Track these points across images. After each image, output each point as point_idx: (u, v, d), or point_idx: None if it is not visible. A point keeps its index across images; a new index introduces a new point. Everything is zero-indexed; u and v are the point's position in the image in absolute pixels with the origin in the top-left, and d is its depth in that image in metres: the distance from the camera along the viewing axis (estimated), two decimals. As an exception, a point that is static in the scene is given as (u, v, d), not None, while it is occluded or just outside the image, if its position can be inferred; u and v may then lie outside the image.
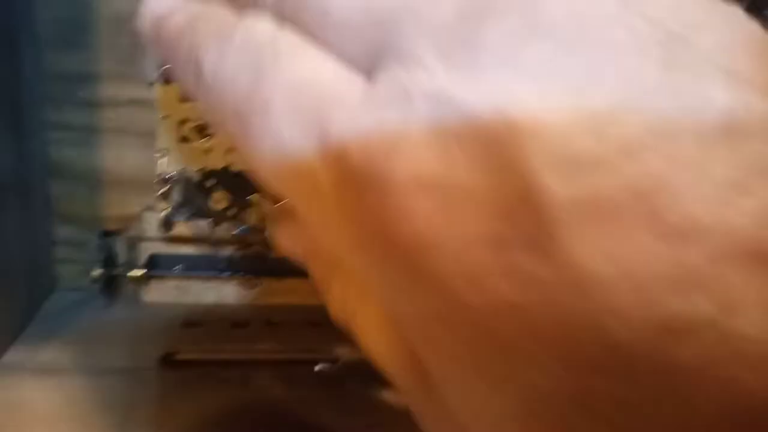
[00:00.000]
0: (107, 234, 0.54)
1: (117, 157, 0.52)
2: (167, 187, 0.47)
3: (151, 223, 0.52)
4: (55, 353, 0.45)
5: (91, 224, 0.53)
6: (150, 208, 0.52)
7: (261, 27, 0.15)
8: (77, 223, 0.53)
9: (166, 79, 0.45)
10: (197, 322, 0.52)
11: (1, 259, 0.43)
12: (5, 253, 0.44)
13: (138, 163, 0.52)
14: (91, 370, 0.44)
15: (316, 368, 0.49)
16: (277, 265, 0.53)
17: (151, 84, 0.49)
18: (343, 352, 0.50)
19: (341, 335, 0.50)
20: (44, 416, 0.39)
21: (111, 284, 0.52)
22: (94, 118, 0.51)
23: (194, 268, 0.53)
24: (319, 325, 0.53)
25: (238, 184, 0.49)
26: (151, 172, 0.52)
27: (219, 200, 0.48)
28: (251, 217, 0.50)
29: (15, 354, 0.45)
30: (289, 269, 0.54)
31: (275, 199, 0.44)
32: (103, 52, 0.49)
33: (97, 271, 0.51)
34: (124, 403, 0.41)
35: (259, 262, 0.53)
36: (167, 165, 0.47)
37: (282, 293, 0.56)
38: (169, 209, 0.48)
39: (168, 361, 0.46)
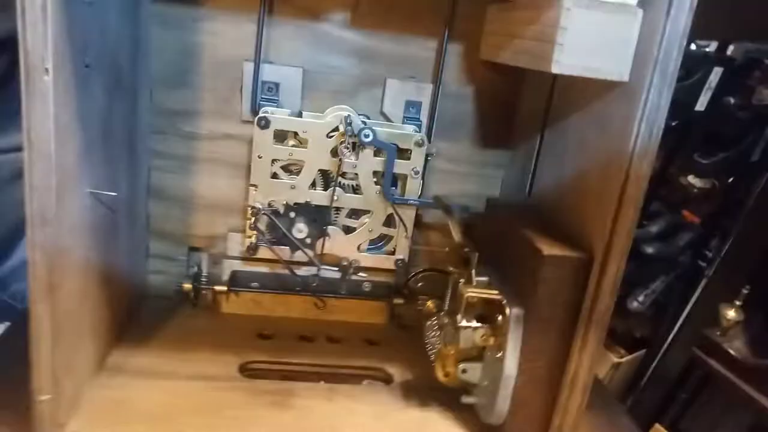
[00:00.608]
0: (195, 250, 0.61)
1: (209, 184, 0.59)
2: (256, 217, 0.54)
3: (234, 243, 0.59)
4: (150, 357, 0.52)
5: (180, 242, 0.61)
6: (234, 230, 0.59)
7: None
8: (169, 240, 0.61)
9: (263, 123, 0.52)
10: (270, 333, 0.58)
11: (114, 271, 0.50)
12: (117, 267, 0.51)
13: (226, 191, 0.59)
14: (180, 375, 0.51)
15: (364, 383, 0.55)
16: (340, 286, 0.60)
17: (243, 122, 0.56)
18: (394, 371, 0.56)
19: (393, 355, 0.56)
20: (144, 414, 0.46)
21: (196, 295, 0.59)
22: (192, 149, 0.58)
23: (269, 286, 0.59)
24: (375, 343, 0.60)
25: (316, 216, 0.55)
26: (237, 199, 0.59)
27: (299, 230, 0.55)
28: (324, 246, 0.56)
29: (117, 356, 0.52)
30: (350, 291, 0.60)
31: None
32: (204, 92, 0.57)
33: (184, 284, 0.58)
34: (211, 406, 0.48)
35: (325, 283, 0.59)
36: (257, 197, 0.54)
37: (343, 311, 0.62)
38: (256, 236, 0.55)
39: (245, 369, 0.53)
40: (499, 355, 0.47)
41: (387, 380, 0.55)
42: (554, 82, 0.54)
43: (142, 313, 0.59)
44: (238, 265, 0.59)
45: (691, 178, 0.93)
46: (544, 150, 0.55)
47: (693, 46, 0.88)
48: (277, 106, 0.55)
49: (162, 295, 0.62)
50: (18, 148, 0.48)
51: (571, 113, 0.50)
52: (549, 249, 0.44)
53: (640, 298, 1.01)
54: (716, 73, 0.87)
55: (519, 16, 0.48)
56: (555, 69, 0.40)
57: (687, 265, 0.97)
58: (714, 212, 0.93)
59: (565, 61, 0.40)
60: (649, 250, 0.95)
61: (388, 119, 0.58)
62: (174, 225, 0.60)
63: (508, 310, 0.46)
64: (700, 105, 0.91)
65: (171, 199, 0.60)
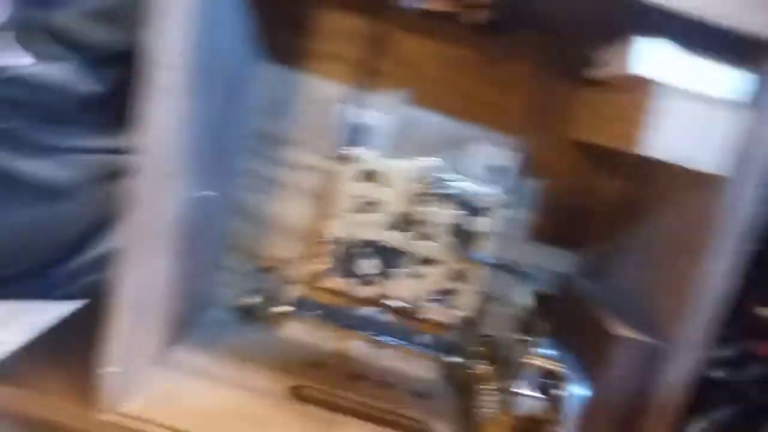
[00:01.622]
0: (263, 270, 0.63)
1: (288, 208, 0.61)
2: (332, 247, 0.56)
3: (304, 269, 0.60)
4: (207, 360, 0.54)
5: (252, 259, 0.63)
6: (304, 257, 0.60)
7: None
8: (243, 256, 0.63)
9: (353, 159, 0.54)
10: (323, 363, 0.59)
11: (187, 274, 0.52)
12: (191, 270, 0.53)
13: (304, 218, 0.61)
14: (233, 383, 0.51)
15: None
16: (398, 332, 0.60)
17: (330, 158, 0.59)
18: (440, 428, 0.54)
19: (440, 412, 0.55)
20: (193, 413, 0.47)
21: (260, 312, 0.60)
22: (277, 173, 0.61)
23: (330, 317, 0.60)
24: (421, 396, 0.59)
25: (387, 257, 0.56)
26: (313, 228, 0.61)
27: (369, 266, 0.56)
28: (389, 289, 0.57)
29: (178, 353, 0.53)
30: (407, 338, 0.60)
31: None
32: (299, 124, 0.60)
33: (250, 299, 0.60)
34: (257, 418, 0.48)
35: (384, 326, 0.59)
36: (335, 228, 0.56)
37: (397, 358, 0.62)
38: (326, 265, 0.56)
39: (295, 392, 0.53)
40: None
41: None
42: (641, 169, 0.54)
43: (206, 319, 0.60)
44: (304, 291, 0.60)
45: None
46: (623, 235, 0.55)
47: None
48: (368, 149, 0.57)
49: (227, 306, 0.63)
50: (116, 150, 0.52)
51: (654, 202, 0.50)
52: (622, 331, 0.43)
53: (702, 425, 0.95)
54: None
55: (614, 99, 0.49)
56: (644, 151, 0.41)
57: (755, 400, 0.91)
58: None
59: (657, 145, 0.40)
60: (717, 374, 0.90)
61: (476, 179, 0.59)
62: (249, 242, 0.63)
63: (569, 386, 0.44)
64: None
65: (251, 217, 0.62)
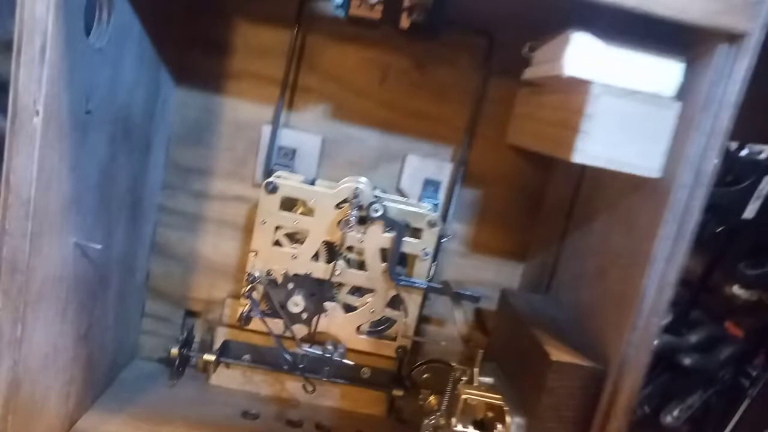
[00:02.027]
0: (191, 314, 0.58)
1: (214, 245, 0.57)
2: (252, 285, 0.51)
3: (230, 311, 0.56)
4: (121, 427, 0.49)
5: (177, 303, 0.58)
6: (233, 296, 0.56)
7: None
8: (167, 300, 0.58)
9: (270, 188, 0.50)
10: (255, 414, 0.54)
11: (96, 329, 0.48)
12: (101, 324, 0.49)
13: (231, 254, 0.57)
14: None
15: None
16: (335, 370, 0.55)
17: (257, 185, 0.54)
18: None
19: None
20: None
21: (184, 363, 0.56)
22: (202, 208, 0.57)
23: (261, 360, 0.55)
24: (367, 436, 0.55)
25: (316, 291, 0.52)
26: (241, 264, 0.57)
27: (296, 303, 0.52)
28: (320, 324, 0.53)
29: (87, 421, 0.48)
30: (345, 376, 0.56)
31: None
32: (221, 152, 0.56)
33: (174, 349, 0.55)
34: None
35: (318, 364, 0.55)
36: (256, 264, 0.51)
37: (337, 397, 0.58)
38: (249, 305, 0.51)
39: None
40: (496, 469, 0.41)
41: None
42: (583, 173, 0.51)
43: (125, 376, 0.56)
44: (232, 335, 0.56)
45: (736, 289, 0.86)
46: (566, 244, 0.51)
47: (745, 151, 0.84)
48: (291, 172, 0.54)
49: (151, 357, 0.59)
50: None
51: (597, 208, 0.47)
52: (558, 354, 0.39)
53: (675, 413, 0.92)
54: None
55: (547, 101, 0.45)
56: (577, 158, 0.37)
57: (728, 381, 0.89)
58: (760, 327, 0.86)
59: (589, 151, 0.37)
60: (687, 361, 0.87)
61: (404, 196, 0.55)
62: (174, 285, 0.58)
63: (508, 419, 0.41)
64: (749, 213, 0.85)
65: (174, 257, 0.58)
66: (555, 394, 0.39)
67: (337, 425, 0.55)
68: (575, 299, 0.47)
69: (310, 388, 0.54)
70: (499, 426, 0.41)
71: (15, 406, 0.38)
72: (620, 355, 0.38)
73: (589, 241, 0.47)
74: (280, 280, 0.52)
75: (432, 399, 0.55)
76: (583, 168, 0.50)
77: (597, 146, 0.37)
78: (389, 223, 0.51)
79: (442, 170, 0.55)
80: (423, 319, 0.57)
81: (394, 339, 0.54)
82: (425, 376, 0.59)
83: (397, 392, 0.55)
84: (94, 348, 0.48)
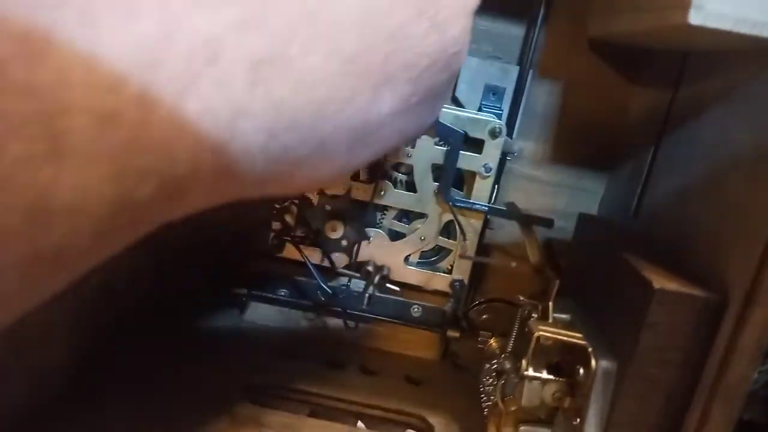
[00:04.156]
0: (226, 244, 0.52)
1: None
2: (283, 206, 0.44)
3: (264, 240, 0.49)
4: (141, 356, 0.43)
5: (210, 231, 0.52)
6: (265, 224, 0.49)
7: None
8: (192, 228, 0.52)
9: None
10: (294, 353, 0.48)
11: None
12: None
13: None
14: (170, 387, 0.41)
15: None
16: (382, 307, 0.49)
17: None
18: (436, 423, 0.43)
19: (439, 402, 0.44)
20: None
21: (212, 296, 0.50)
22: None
23: (299, 295, 0.49)
24: (416, 383, 0.48)
25: (356, 215, 0.45)
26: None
27: (334, 228, 0.45)
28: (361, 253, 0.45)
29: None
30: (393, 314, 0.49)
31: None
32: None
33: (203, 280, 0.49)
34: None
35: (364, 300, 0.48)
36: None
37: (384, 338, 0.51)
38: (281, 229, 0.45)
39: (252, 391, 0.43)
40: (576, 422, 0.34)
41: (426, 432, 0.43)
42: (684, 65, 0.41)
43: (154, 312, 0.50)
44: (266, 266, 0.49)
45: None
46: (661, 157, 0.42)
47: None
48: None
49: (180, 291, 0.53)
50: None
51: (705, 105, 0.37)
52: (662, 282, 0.31)
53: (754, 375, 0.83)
54: None
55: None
56: (694, 18, 0.28)
57: None
58: None
59: (710, 8, 0.28)
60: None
61: (460, 105, 0.46)
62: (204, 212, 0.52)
63: (594, 362, 0.33)
64: None
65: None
66: (657, 332, 0.31)
67: (383, 368, 0.48)
68: (677, 220, 0.38)
69: (351, 324, 0.48)
70: (581, 371, 0.33)
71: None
72: (746, 281, 0.29)
73: (695, 147, 0.38)
74: (315, 201, 0.45)
75: (493, 342, 0.47)
76: (683, 59, 0.40)
77: (720, 2, 0.28)
78: (444, 133, 0.42)
79: (507, 75, 0.46)
80: (482, 251, 0.49)
81: (449, 272, 0.46)
82: (484, 317, 0.52)
83: (453, 333, 0.48)
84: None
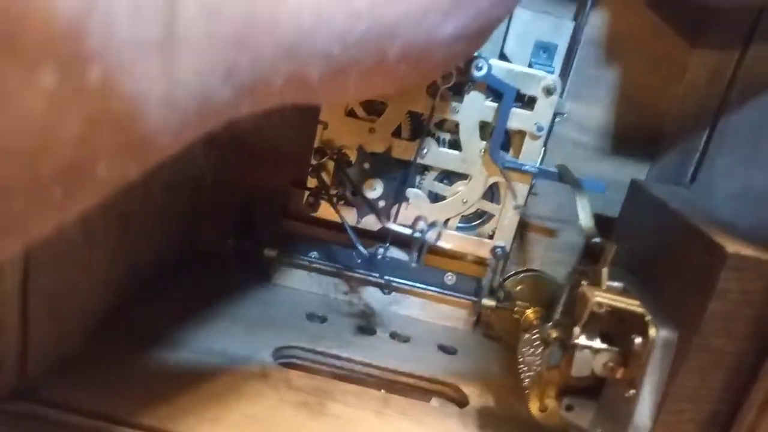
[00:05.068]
0: (250, 203, 0.50)
1: (277, 123, 0.48)
2: (320, 162, 0.42)
3: (295, 199, 0.47)
4: (174, 321, 0.42)
5: (235, 191, 0.50)
6: (298, 184, 0.48)
7: None
8: (224, 187, 0.50)
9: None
10: (322, 316, 0.46)
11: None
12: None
13: (300, 134, 0.48)
14: (200, 348, 0.40)
15: (432, 402, 0.42)
16: (415, 274, 0.47)
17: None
18: (470, 392, 0.42)
19: (472, 371, 0.42)
20: (141, 387, 0.35)
21: (240, 259, 0.48)
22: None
23: (330, 258, 0.47)
24: (449, 352, 0.46)
25: (396, 175, 0.43)
26: (309, 146, 0.48)
27: (373, 187, 0.43)
28: (400, 215, 0.43)
29: (138, 314, 0.42)
30: (426, 280, 0.47)
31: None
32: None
33: (232, 241, 0.48)
34: (222, 392, 0.36)
35: (396, 264, 0.46)
36: (326, 138, 0.42)
37: (416, 306, 0.49)
38: (316, 187, 0.43)
39: (281, 355, 0.42)
40: (630, 393, 0.32)
41: (460, 402, 0.41)
42: (756, 26, 0.38)
43: (182, 271, 0.49)
44: (297, 228, 0.48)
45: None
46: (724, 123, 0.39)
47: None
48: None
49: (210, 249, 0.51)
50: None
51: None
52: (735, 246, 0.29)
53: None
54: None
55: None
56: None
57: None
58: None
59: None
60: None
61: (508, 61, 0.44)
62: (229, 170, 0.50)
63: (653, 331, 0.31)
64: None
65: (229, 140, 0.49)
66: (727, 300, 0.29)
67: (416, 336, 0.47)
68: (742, 186, 0.35)
69: (386, 291, 0.46)
70: (638, 340, 0.31)
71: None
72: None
73: (765, 111, 0.35)
74: (353, 158, 0.42)
75: (530, 313, 0.45)
76: (757, 16, 0.38)
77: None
78: (495, 87, 0.40)
79: (559, 31, 0.43)
80: (523, 225, 0.47)
81: (490, 238, 0.44)
82: (519, 287, 0.50)
83: (488, 302, 0.46)
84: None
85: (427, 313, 0.49)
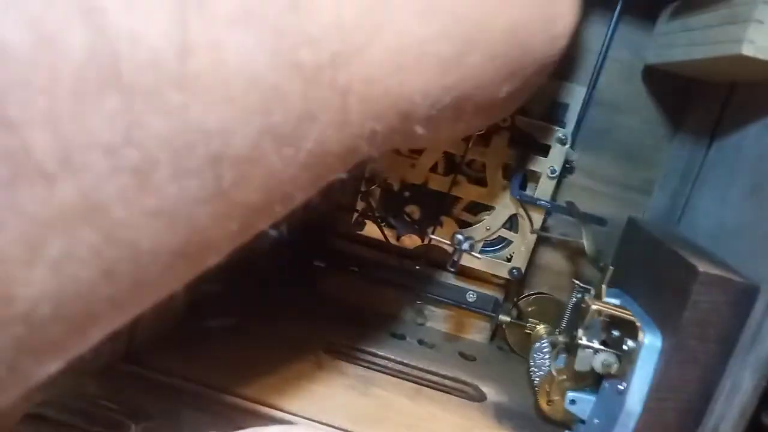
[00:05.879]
0: (312, 224, 0.59)
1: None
2: (369, 189, 0.51)
3: (342, 219, 0.55)
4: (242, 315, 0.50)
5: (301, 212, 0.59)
6: (344, 208, 0.56)
7: None
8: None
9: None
10: (362, 321, 0.54)
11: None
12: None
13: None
14: (266, 337, 0.48)
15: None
16: (442, 290, 0.55)
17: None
18: (488, 391, 0.49)
19: (490, 375, 0.50)
20: (221, 362, 0.43)
21: (289, 268, 0.56)
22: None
23: (368, 273, 0.55)
24: (469, 358, 0.54)
25: (431, 203, 0.51)
26: (352, 178, 0.56)
27: (411, 212, 0.51)
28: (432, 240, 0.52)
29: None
30: (451, 297, 0.55)
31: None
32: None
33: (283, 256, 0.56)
34: (289, 372, 0.44)
35: (425, 282, 0.54)
36: (374, 168, 0.51)
37: (439, 319, 0.57)
38: (364, 208, 0.51)
39: (330, 350, 0.49)
40: (622, 386, 0.39)
41: (479, 398, 0.49)
42: (730, 93, 0.47)
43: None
44: (343, 246, 0.56)
45: None
46: (706, 171, 0.48)
47: None
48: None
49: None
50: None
51: (747, 127, 0.43)
52: (705, 266, 0.37)
53: None
54: None
55: (700, 5, 0.42)
56: (747, 50, 0.34)
57: None
58: None
59: (761, 41, 0.34)
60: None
61: (527, 116, 0.53)
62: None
63: (641, 334, 0.38)
64: None
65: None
66: (699, 309, 0.37)
67: (438, 344, 0.54)
68: (717, 224, 0.44)
69: (419, 305, 0.54)
70: (630, 342, 0.39)
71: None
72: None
73: (737, 162, 0.44)
74: (396, 187, 0.51)
75: (540, 328, 0.53)
76: (730, 88, 0.47)
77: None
78: (516, 134, 0.49)
79: (572, 93, 0.53)
80: (537, 244, 0.55)
81: (508, 260, 0.52)
82: (531, 308, 0.57)
83: (504, 318, 0.54)
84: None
85: (449, 326, 0.57)
